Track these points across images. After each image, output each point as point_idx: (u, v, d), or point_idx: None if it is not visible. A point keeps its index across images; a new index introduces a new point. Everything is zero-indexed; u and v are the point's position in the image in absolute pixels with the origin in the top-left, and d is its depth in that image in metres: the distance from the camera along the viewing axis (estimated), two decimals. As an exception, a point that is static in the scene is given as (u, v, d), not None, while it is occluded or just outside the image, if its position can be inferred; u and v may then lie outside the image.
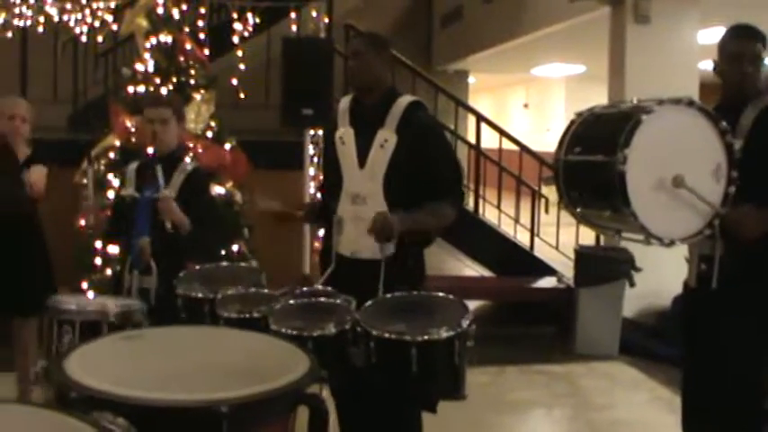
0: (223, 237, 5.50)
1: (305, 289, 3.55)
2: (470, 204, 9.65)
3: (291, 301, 3.37)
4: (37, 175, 4.97)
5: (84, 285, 6.48)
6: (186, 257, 4.37)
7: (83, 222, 6.76)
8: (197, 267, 4.11)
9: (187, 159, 4.88)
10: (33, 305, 4.67)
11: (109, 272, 6.45)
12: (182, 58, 7.20)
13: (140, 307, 3.93)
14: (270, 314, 3.22)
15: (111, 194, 6.68)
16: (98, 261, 6.65)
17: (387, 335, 3.01)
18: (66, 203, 5.60)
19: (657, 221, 3.34)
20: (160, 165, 4.65)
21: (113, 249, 6.23)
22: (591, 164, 3.49)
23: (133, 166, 4.86)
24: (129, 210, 4.71)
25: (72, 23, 8.70)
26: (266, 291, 3.67)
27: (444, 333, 3.01)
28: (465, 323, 3.05)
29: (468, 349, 3.07)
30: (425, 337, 2.98)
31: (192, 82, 7.14)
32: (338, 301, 3.36)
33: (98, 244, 6.65)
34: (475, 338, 3.09)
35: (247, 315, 3.34)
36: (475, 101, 18.69)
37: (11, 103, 5.10)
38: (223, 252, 6.19)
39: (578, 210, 3.66)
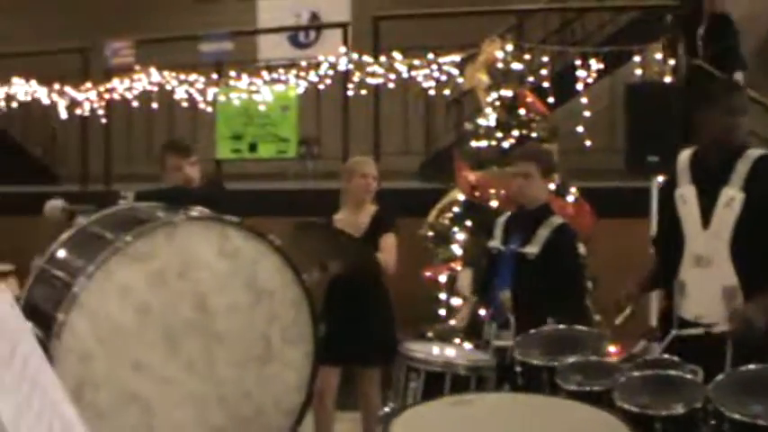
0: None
1: (648, 358, 3.41)
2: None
3: (635, 374, 3.23)
4: (388, 251, 5.29)
5: (429, 335, 6.63)
6: (548, 315, 4.36)
7: (428, 274, 6.96)
8: (533, 331, 4.03)
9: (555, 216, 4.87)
10: (376, 356, 5.11)
11: (452, 322, 6.57)
12: (522, 112, 7.23)
13: (488, 362, 3.94)
14: (614, 388, 3.11)
15: (454, 248, 6.84)
16: (442, 311, 6.80)
17: (739, 417, 2.79)
18: (412, 253, 5.78)
19: None
20: (526, 218, 4.77)
21: (457, 301, 6.39)
22: None
23: (502, 219, 5.00)
24: (494, 262, 4.85)
25: (420, 78, 9.06)
26: (608, 360, 3.56)
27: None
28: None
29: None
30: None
31: (534, 135, 7.13)
32: (686, 374, 3.18)
33: (442, 295, 6.81)
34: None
35: (588, 388, 3.24)
36: None
37: (363, 163, 5.65)
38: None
39: None
